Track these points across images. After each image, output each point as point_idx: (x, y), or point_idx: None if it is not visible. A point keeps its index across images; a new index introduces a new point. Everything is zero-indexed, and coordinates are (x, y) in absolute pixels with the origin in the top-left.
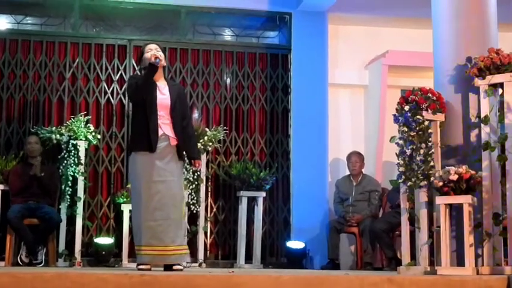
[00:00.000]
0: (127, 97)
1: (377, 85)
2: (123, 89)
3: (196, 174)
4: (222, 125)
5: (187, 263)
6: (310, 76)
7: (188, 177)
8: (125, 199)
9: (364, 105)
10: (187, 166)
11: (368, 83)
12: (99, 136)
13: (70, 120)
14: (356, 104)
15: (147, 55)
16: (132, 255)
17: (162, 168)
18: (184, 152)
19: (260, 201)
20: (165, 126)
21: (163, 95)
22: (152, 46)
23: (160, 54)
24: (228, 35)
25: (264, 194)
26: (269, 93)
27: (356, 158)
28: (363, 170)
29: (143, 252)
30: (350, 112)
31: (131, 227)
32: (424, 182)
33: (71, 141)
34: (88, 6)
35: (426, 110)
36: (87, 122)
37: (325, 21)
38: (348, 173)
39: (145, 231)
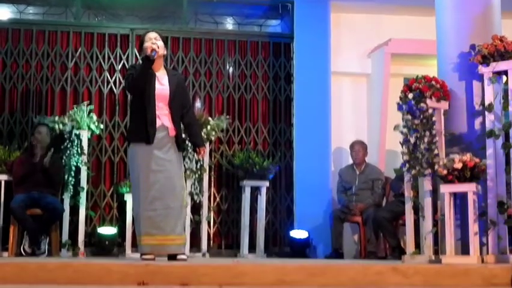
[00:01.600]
0: None
1: (380, 73)
2: (125, 77)
3: (199, 163)
4: (224, 114)
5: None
6: (312, 65)
7: (191, 166)
8: (128, 189)
9: (367, 94)
10: (190, 155)
11: (370, 72)
12: (102, 126)
13: (73, 110)
14: (358, 93)
15: (146, 45)
16: (135, 245)
17: (161, 158)
18: (188, 141)
19: (263, 191)
20: (164, 117)
21: (162, 85)
22: (152, 35)
23: (159, 44)
24: (230, 24)
25: (267, 183)
26: (272, 82)
27: (359, 147)
28: (366, 159)
29: (144, 242)
30: (353, 101)
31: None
32: (428, 171)
33: (74, 131)
34: None
35: (430, 98)
36: (90, 111)
37: (327, 9)
38: (351, 162)
39: (144, 221)
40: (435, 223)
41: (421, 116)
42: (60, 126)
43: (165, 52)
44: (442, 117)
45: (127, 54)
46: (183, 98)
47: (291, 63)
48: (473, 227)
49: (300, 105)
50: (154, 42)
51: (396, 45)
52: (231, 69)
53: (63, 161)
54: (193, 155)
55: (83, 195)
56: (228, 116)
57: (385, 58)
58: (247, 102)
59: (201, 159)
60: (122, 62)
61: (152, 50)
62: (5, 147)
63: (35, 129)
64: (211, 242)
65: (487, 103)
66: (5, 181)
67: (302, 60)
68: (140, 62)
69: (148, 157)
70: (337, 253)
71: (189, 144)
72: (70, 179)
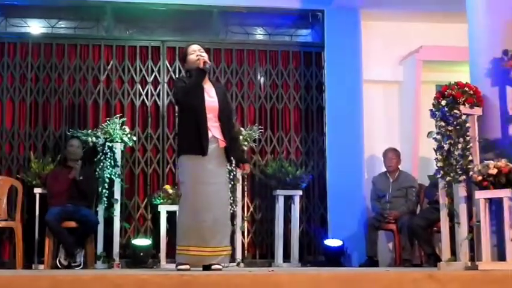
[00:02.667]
0: (161, 98)
1: (412, 81)
2: (158, 90)
3: (232, 174)
4: (256, 124)
5: (227, 263)
6: (344, 73)
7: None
8: (161, 200)
9: (399, 101)
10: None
11: (402, 79)
12: (134, 138)
13: (106, 123)
14: (390, 100)
15: (192, 57)
16: (170, 256)
17: (211, 170)
18: (231, 155)
19: (297, 200)
20: (214, 129)
21: (211, 97)
22: (196, 47)
23: (205, 56)
24: (260, 34)
25: (300, 192)
26: (303, 91)
27: (392, 155)
28: (399, 166)
29: (190, 252)
30: (385, 108)
31: (169, 228)
32: (463, 177)
33: (107, 143)
34: (120, 9)
35: (464, 104)
36: (122, 124)
37: (358, 17)
38: (384, 169)
39: (192, 232)
40: (470, 229)
41: (454, 123)
42: (94, 139)
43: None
44: (476, 123)
45: (158, 66)
46: (229, 110)
47: (322, 72)
48: (509, 233)
49: (332, 113)
50: (199, 54)
51: (428, 52)
52: (262, 79)
53: (96, 173)
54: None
55: (117, 207)
56: (260, 126)
57: (417, 65)
58: (279, 112)
59: (239, 171)
60: (153, 74)
61: (205, 62)
62: (39, 161)
63: (67, 142)
64: (246, 251)
65: None
66: (40, 194)
67: (333, 69)
68: (184, 74)
69: (200, 169)
70: (372, 261)
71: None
72: (104, 191)
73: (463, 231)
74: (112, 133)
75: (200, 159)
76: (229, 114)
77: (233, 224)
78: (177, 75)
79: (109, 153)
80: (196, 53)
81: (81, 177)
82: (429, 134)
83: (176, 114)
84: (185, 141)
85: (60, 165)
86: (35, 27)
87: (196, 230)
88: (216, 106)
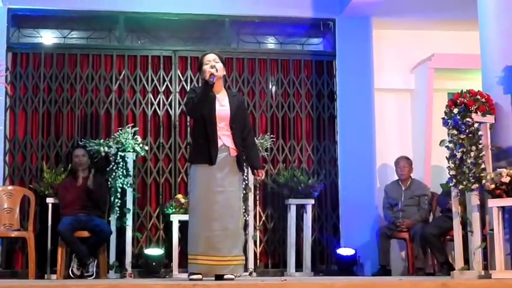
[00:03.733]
0: (173, 108)
1: (424, 89)
2: (169, 99)
3: (244, 183)
4: (268, 133)
5: (240, 273)
6: (355, 82)
7: None
8: (174, 210)
9: (411, 109)
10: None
11: (414, 87)
12: (146, 147)
13: (118, 132)
14: (402, 109)
15: (205, 67)
16: (182, 265)
17: (221, 178)
18: (246, 162)
19: (309, 209)
20: (225, 137)
21: (222, 106)
22: (210, 57)
23: (218, 66)
24: (272, 43)
25: (312, 201)
26: (315, 100)
27: (404, 163)
28: (411, 175)
29: (200, 261)
30: (397, 117)
31: (181, 238)
32: (476, 185)
33: (119, 153)
34: (132, 19)
35: (476, 112)
36: (134, 133)
37: (369, 26)
38: (396, 178)
39: (202, 240)
40: (484, 238)
41: (467, 131)
42: (106, 148)
43: (224, 73)
44: (488, 131)
45: (170, 76)
46: (243, 118)
47: (334, 80)
48: None
49: (343, 122)
50: (212, 65)
51: (440, 60)
52: (273, 88)
53: (109, 183)
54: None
55: (129, 217)
56: (272, 135)
57: (428, 73)
58: (290, 121)
59: (246, 178)
60: (165, 84)
61: (211, 74)
62: (52, 171)
63: (72, 153)
64: (258, 261)
65: None
66: (52, 204)
67: (345, 78)
68: (200, 85)
69: (209, 178)
70: (385, 270)
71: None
72: (116, 200)
73: (476, 239)
74: (124, 143)
75: (209, 168)
76: (244, 122)
77: (245, 233)
78: (189, 85)
79: (121, 163)
80: (210, 64)
81: (91, 185)
82: (442, 142)
83: (188, 123)
84: (195, 150)
85: (71, 175)
86: (48, 37)
87: (204, 238)
88: (227, 115)
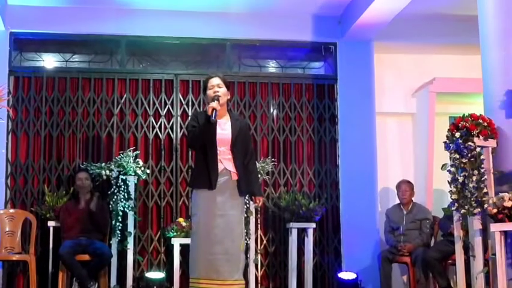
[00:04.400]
0: (175, 131)
1: (425, 112)
2: (171, 123)
3: (245, 206)
4: (270, 157)
5: None
6: (357, 105)
7: None
8: (175, 233)
9: (412, 133)
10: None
11: (415, 111)
12: (148, 171)
13: (119, 156)
14: (404, 132)
15: (209, 93)
16: None
17: (222, 202)
18: (246, 188)
19: (310, 233)
20: (226, 161)
21: (224, 130)
22: (215, 81)
23: (222, 91)
24: (273, 67)
25: (313, 225)
26: (316, 123)
27: (405, 187)
28: (413, 199)
29: (202, 285)
30: (398, 140)
31: (182, 261)
32: (478, 209)
33: (121, 176)
34: (134, 43)
35: (478, 136)
36: (136, 157)
37: (370, 50)
38: (398, 201)
39: (203, 264)
40: (486, 263)
41: (469, 155)
42: (107, 172)
43: (228, 96)
44: (490, 155)
45: (171, 99)
46: (246, 143)
47: (335, 104)
48: None
49: (345, 146)
50: (216, 91)
51: (441, 84)
52: (275, 112)
53: (110, 206)
54: (250, 202)
55: (130, 240)
56: (273, 159)
57: (430, 97)
58: (292, 144)
59: (247, 202)
60: (167, 107)
61: (213, 110)
62: (53, 194)
63: (75, 176)
64: (259, 284)
65: None
66: (54, 227)
67: (346, 101)
68: (203, 109)
69: (210, 202)
70: None
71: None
72: (117, 224)
73: (478, 264)
74: (126, 166)
75: (210, 192)
76: (246, 147)
77: (246, 257)
78: (191, 108)
79: (122, 186)
80: (214, 90)
81: (93, 208)
82: (444, 166)
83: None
84: (195, 174)
85: (72, 198)
86: (50, 61)
87: (206, 262)
88: (228, 139)
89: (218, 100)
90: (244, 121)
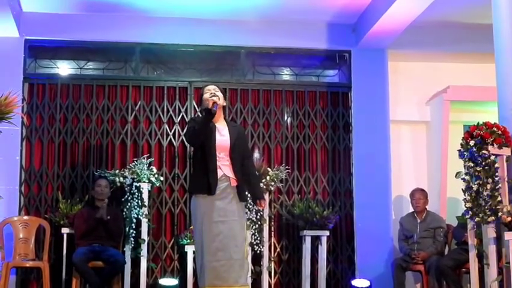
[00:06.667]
0: None
1: (439, 121)
2: (185, 130)
3: (259, 214)
4: (283, 165)
5: None
6: (371, 113)
7: (251, 217)
8: (188, 240)
9: (426, 141)
10: (250, 206)
11: (429, 119)
12: (162, 178)
13: (133, 163)
14: (418, 140)
15: (205, 96)
16: None
17: (223, 208)
18: (247, 193)
19: (324, 240)
20: (225, 167)
21: (222, 136)
22: (211, 87)
23: (219, 95)
24: (287, 75)
25: (327, 232)
26: (330, 131)
27: (419, 195)
28: (427, 207)
29: None
30: (412, 148)
31: (195, 268)
32: (492, 218)
33: (135, 183)
34: (148, 50)
35: (492, 145)
36: (150, 164)
37: (385, 58)
38: (411, 210)
39: (208, 272)
40: (500, 271)
41: (483, 163)
42: (121, 179)
43: (225, 103)
44: (505, 163)
45: (185, 106)
46: (244, 148)
47: (349, 112)
48: None
49: (359, 154)
50: (213, 93)
51: (455, 92)
52: (289, 120)
53: (124, 213)
54: (253, 206)
55: (144, 247)
56: (287, 166)
57: (444, 105)
58: (305, 152)
59: (261, 209)
60: (181, 115)
61: (214, 103)
62: (67, 201)
63: (94, 182)
64: None
65: None
66: (67, 234)
67: (360, 109)
68: (200, 115)
69: (210, 208)
70: None
71: (249, 195)
72: (131, 231)
73: (492, 272)
74: (140, 173)
75: (210, 199)
76: (244, 152)
77: (260, 265)
78: None
79: (136, 194)
80: (210, 92)
81: (108, 217)
82: (458, 174)
83: (192, 153)
84: (194, 180)
85: (87, 205)
86: (64, 68)
87: (210, 269)
88: (227, 145)
89: (218, 97)
90: (241, 127)
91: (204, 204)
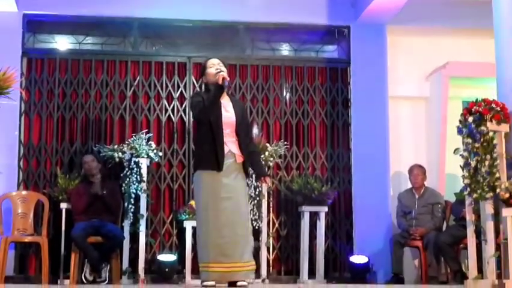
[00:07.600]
0: (187, 114)
1: (438, 97)
2: (184, 106)
3: (257, 189)
4: (282, 140)
5: (252, 279)
6: (370, 89)
7: (250, 192)
8: (187, 216)
9: (425, 117)
10: (249, 182)
11: (428, 95)
12: (161, 153)
13: (132, 138)
14: (416, 116)
15: (211, 71)
16: (195, 271)
17: (229, 185)
18: (251, 169)
19: (322, 216)
20: (231, 144)
21: (228, 112)
22: (215, 61)
23: (224, 70)
24: (286, 50)
25: (326, 208)
26: (329, 107)
27: (417, 171)
28: (425, 183)
29: (212, 269)
30: (411, 124)
31: (194, 244)
32: (490, 194)
33: (133, 158)
34: (147, 25)
35: (491, 121)
36: (148, 139)
37: (384, 33)
38: (410, 186)
39: (213, 248)
40: (497, 247)
41: (481, 139)
42: (120, 154)
43: (228, 79)
44: (503, 140)
45: (184, 82)
46: (247, 126)
47: (348, 88)
48: None
49: (357, 129)
50: (218, 68)
51: (454, 68)
52: (288, 95)
53: (122, 188)
54: (252, 181)
55: (142, 223)
56: (285, 142)
57: (443, 81)
58: (304, 128)
59: (260, 185)
60: (180, 90)
61: (224, 78)
62: (66, 176)
63: (81, 160)
64: (271, 268)
65: None
66: (66, 209)
67: (359, 85)
68: (198, 89)
69: (217, 184)
70: (397, 278)
71: (251, 171)
72: (130, 206)
73: (490, 248)
74: (138, 148)
75: (216, 175)
76: (246, 128)
77: (258, 240)
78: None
79: (135, 169)
80: (215, 67)
81: (104, 192)
82: (456, 150)
83: (191, 128)
84: (201, 156)
85: (83, 180)
86: (63, 43)
87: (215, 246)
88: (233, 121)
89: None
90: (242, 102)
91: (209, 180)
